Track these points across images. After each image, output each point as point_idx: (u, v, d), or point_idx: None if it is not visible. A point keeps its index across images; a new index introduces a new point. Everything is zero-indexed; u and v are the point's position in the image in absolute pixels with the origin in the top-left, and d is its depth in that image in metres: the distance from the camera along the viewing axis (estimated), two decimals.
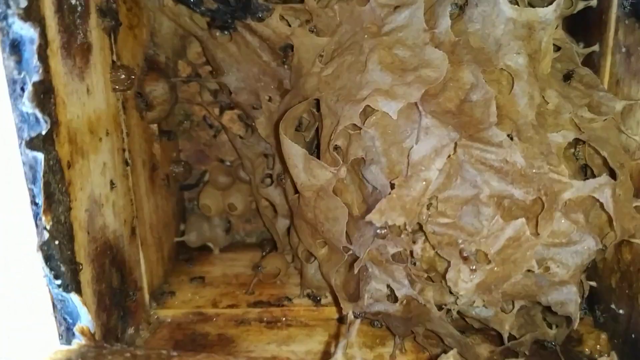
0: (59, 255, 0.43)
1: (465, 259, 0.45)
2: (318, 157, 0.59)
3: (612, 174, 0.48)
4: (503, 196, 0.46)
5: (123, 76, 0.56)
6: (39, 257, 0.42)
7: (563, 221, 0.47)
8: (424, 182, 0.45)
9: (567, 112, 0.50)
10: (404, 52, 0.54)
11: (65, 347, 0.40)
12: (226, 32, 0.66)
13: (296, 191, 0.59)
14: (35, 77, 0.39)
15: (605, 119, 0.50)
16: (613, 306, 0.55)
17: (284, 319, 0.64)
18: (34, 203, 0.41)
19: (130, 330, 0.59)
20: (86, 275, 0.49)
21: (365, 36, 0.57)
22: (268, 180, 0.72)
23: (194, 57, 0.73)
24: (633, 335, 0.51)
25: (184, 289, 0.70)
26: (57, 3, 0.45)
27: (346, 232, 0.55)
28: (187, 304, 0.67)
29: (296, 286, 0.69)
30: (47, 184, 0.41)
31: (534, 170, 0.45)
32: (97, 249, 0.51)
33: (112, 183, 0.55)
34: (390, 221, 0.45)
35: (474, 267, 0.45)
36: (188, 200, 0.81)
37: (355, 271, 0.50)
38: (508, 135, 0.45)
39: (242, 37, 0.65)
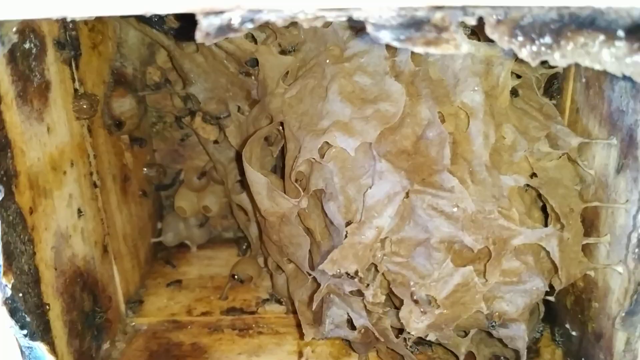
0: (24, 306, 0.45)
1: (416, 302, 0.47)
2: (284, 172, 0.60)
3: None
4: (453, 241, 0.47)
5: (86, 105, 0.56)
6: (3, 311, 0.44)
7: (514, 261, 0.48)
8: (376, 229, 0.47)
9: (522, 149, 0.50)
10: (365, 79, 0.54)
11: None
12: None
13: None
14: None
15: (561, 156, 0.51)
16: (567, 326, 0.57)
17: (254, 325, 0.67)
18: None
19: (106, 345, 0.62)
20: (55, 311, 0.51)
21: (327, 60, 0.56)
22: (240, 186, 0.73)
23: (163, 62, 0.73)
24: (583, 359, 0.54)
25: (160, 293, 0.73)
26: (9, 55, 0.45)
27: (311, 254, 0.57)
28: (162, 312, 0.69)
29: (269, 288, 0.72)
30: (6, 245, 0.43)
31: (484, 216, 0.47)
32: (66, 280, 0.53)
33: (79, 211, 0.56)
34: (342, 269, 0.47)
35: (424, 310, 0.47)
36: (165, 197, 0.83)
37: (314, 305, 0.52)
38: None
39: (208, 49, 0.65)
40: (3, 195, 0.41)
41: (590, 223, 0.52)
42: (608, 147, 0.49)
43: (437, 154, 0.49)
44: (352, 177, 0.51)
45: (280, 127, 0.62)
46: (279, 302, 0.69)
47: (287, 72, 0.61)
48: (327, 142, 0.52)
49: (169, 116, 0.78)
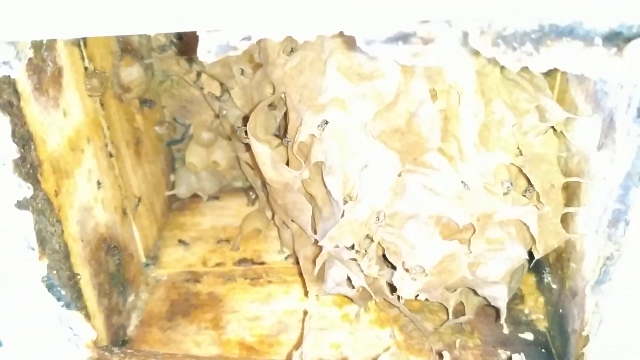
0: (58, 281, 0.50)
1: (407, 270, 0.52)
2: (286, 133, 0.63)
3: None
4: (441, 216, 0.51)
5: (97, 83, 0.59)
6: (42, 287, 0.49)
7: (497, 230, 0.53)
8: (371, 208, 0.51)
9: (510, 124, 0.53)
10: (362, 54, 0.56)
11: None
12: None
13: None
14: (14, 155, 0.43)
15: (547, 130, 0.54)
16: (549, 278, 0.63)
17: (264, 275, 0.73)
18: (30, 248, 0.47)
19: (131, 298, 0.68)
20: (85, 278, 0.56)
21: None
22: (246, 145, 0.77)
23: None
24: (560, 311, 0.59)
25: (177, 244, 0.78)
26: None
27: (314, 218, 0.62)
28: (179, 263, 0.75)
29: (277, 239, 0.77)
30: (39, 232, 0.47)
31: (470, 192, 0.50)
32: (92, 249, 0.59)
33: (98, 183, 0.61)
34: (340, 244, 0.51)
35: (414, 277, 0.52)
36: (176, 150, 0.87)
37: (316, 270, 0.58)
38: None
39: None
40: (32, 191, 0.45)
41: (572, 191, 0.55)
42: (592, 123, 0.52)
43: (428, 132, 0.52)
44: (350, 152, 0.55)
45: (283, 95, 0.65)
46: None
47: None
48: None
49: (176, 74, 0.80)
